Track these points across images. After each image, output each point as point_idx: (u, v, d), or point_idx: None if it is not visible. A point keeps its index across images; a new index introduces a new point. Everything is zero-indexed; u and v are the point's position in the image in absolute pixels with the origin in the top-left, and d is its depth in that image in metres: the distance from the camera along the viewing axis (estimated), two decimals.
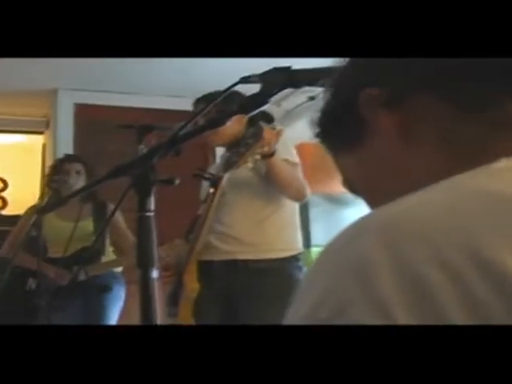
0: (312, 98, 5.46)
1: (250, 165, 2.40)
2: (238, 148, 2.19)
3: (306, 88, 4.13)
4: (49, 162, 5.31)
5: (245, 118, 2.92)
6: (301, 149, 5.48)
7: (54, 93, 5.30)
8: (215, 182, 2.60)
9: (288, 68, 1.26)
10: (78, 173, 3.94)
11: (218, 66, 4.83)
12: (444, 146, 0.68)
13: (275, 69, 1.27)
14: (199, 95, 5.40)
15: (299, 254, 2.90)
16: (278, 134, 2.33)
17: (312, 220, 5.36)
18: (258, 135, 2.17)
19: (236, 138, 2.88)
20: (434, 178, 0.67)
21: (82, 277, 3.64)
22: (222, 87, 4.41)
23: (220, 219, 2.83)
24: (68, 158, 4.14)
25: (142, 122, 5.30)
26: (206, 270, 2.82)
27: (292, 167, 2.75)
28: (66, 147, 5.16)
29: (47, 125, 5.72)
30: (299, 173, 2.84)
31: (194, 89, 5.30)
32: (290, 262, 2.83)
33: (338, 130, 0.77)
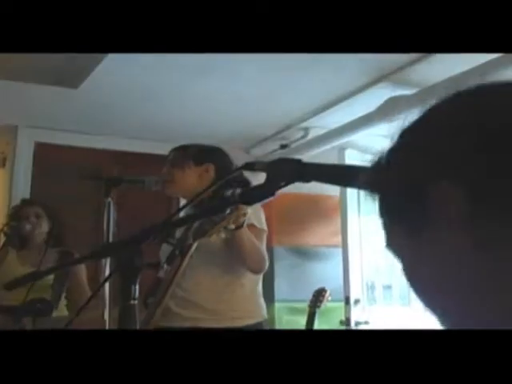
0: (284, 147, 5.43)
1: (222, 235, 2.34)
2: (211, 216, 2.14)
3: (279, 135, 4.12)
4: (2, 202, 5.18)
5: (208, 174, 2.89)
6: (283, 199, 5.48)
7: (13, 130, 5.17)
8: (183, 249, 2.53)
9: (297, 161, 1.20)
10: (37, 216, 3.86)
11: (183, 110, 4.80)
12: None
13: (283, 160, 1.22)
14: (164, 139, 5.38)
15: (264, 321, 2.84)
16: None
17: (276, 274, 5.27)
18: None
19: (194, 192, 2.85)
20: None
21: (29, 328, 3.51)
22: (189, 131, 4.41)
23: (180, 283, 2.74)
24: (25, 202, 4.05)
25: (106, 164, 5.29)
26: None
27: (257, 234, 2.69)
28: (24, 188, 5.05)
29: (3, 162, 5.56)
30: (263, 240, 2.79)
31: (160, 132, 5.29)
32: None
33: (402, 211, 0.74)
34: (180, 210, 1.35)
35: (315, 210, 5.30)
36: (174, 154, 2.98)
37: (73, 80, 4.23)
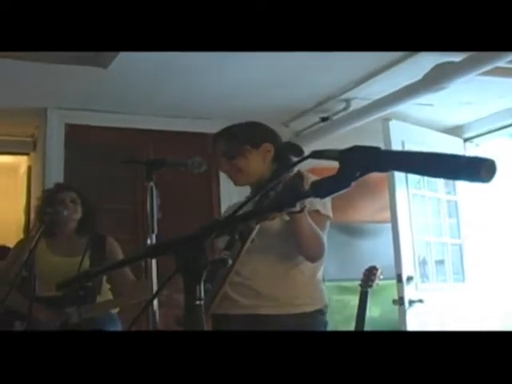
0: (325, 119, 5.35)
1: (286, 217, 2.28)
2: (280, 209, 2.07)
3: (319, 107, 4.06)
4: (35, 186, 5.20)
5: (270, 154, 2.84)
6: (312, 174, 5.41)
7: (42, 111, 5.17)
8: (243, 233, 2.47)
9: (375, 148, 1.14)
10: (73, 202, 3.85)
11: (218, 85, 4.76)
12: None
13: (358, 147, 1.16)
14: (200, 115, 5.35)
15: (324, 307, 2.78)
16: None
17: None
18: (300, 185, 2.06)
19: (262, 176, 2.81)
20: None
21: (74, 319, 3.51)
22: (225, 106, 4.39)
23: (238, 270, 2.67)
24: (60, 187, 4.03)
25: (141, 144, 5.27)
26: (222, 324, 2.70)
27: (320, 221, 2.63)
28: (57, 171, 5.05)
29: (34, 146, 5.58)
30: (326, 227, 2.72)
31: (195, 108, 5.24)
32: (315, 317, 2.72)
33: None
34: (242, 205, 1.30)
35: (362, 185, 5.19)
36: (224, 143, 2.88)
37: (102, 59, 4.21)
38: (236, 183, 2.89)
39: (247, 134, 2.85)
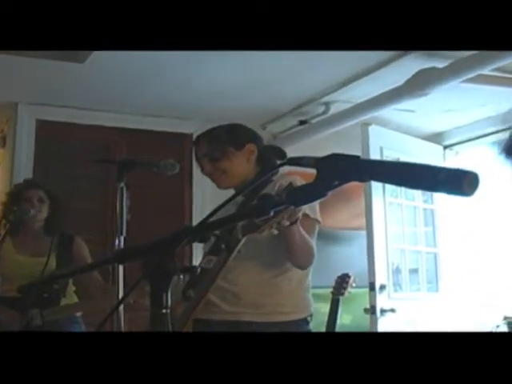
0: (303, 123, 5.33)
1: (274, 232, 2.24)
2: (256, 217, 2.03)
3: (297, 110, 4.04)
4: (3, 182, 5.13)
5: (254, 155, 2.82)
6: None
7: (12, 107, 5.11)
8: (229, 243, 2.41)
9: (354, 157, 1.11)
10: (39, 201, 3.79)
11: (196, 85, 4.72)
12: None
13: (337, 155, 1.13)
14: (176, 115, 5.30)
15: (309, 316, 2.76)
16: None
17: None
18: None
19: (246, 178, 2.79)
20: None
21: (37, 321, 3.43)
22: (202, 107, 4.32)
23: (224, 274, 2.57)
24: (28, 184, 3.97)
25: (114, 143, 5.23)
26: (204, 330, 2.66)
27: (309, 225, 2.59)
28: (26, 168, 4.99)
29: (3, 141, 5.50)
30: (315, 232, 2.69)
31: (171, 108, 5.20)
32: (299, 326, 2.69)
33: None
34: (216, 210, 1.26)
35: (337, 191, 5.17)
36: (206, 145, 2.85)
37: (78, 54, 4.15)
38: (220, 186, 2.86)
39: (230, 136, 2.83)
